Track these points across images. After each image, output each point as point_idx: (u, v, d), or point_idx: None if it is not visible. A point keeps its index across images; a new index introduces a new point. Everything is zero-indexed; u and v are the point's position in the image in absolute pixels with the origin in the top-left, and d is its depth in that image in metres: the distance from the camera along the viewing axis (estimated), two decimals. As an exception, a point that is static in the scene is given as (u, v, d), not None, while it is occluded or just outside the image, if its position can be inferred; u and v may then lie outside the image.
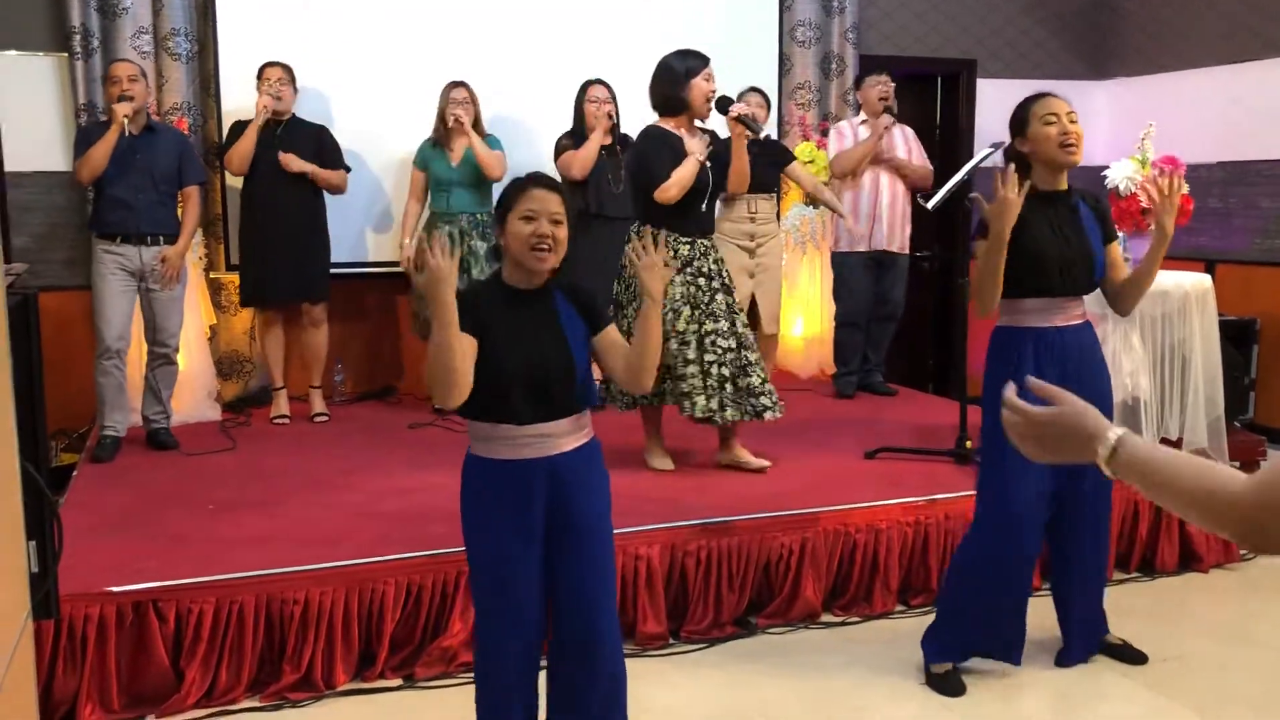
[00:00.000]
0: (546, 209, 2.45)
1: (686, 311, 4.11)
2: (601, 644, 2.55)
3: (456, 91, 5.30)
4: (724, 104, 4.10)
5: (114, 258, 4.67)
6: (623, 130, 5.39)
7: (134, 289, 4.74)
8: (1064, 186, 3.20)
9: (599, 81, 5.41)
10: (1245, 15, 6.37)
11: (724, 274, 4.22)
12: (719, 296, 4.15)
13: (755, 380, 4.15)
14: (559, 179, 5.33)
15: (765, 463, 4.30)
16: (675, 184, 4.02)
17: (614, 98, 5.39)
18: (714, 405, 4.09)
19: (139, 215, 4.66)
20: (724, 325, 4.13)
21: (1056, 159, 3.11)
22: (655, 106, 4.19)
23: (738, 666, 3.42)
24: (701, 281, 4.13)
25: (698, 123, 4.19)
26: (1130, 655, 3.42)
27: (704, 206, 4.19)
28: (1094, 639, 3.44)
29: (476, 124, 5.31)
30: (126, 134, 4.58)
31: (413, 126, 5.51)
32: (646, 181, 4.11)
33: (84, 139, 4.69)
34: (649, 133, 4.17)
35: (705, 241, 4.21)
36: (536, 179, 2.52)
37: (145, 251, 4.70)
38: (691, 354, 4.09)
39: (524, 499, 2.45)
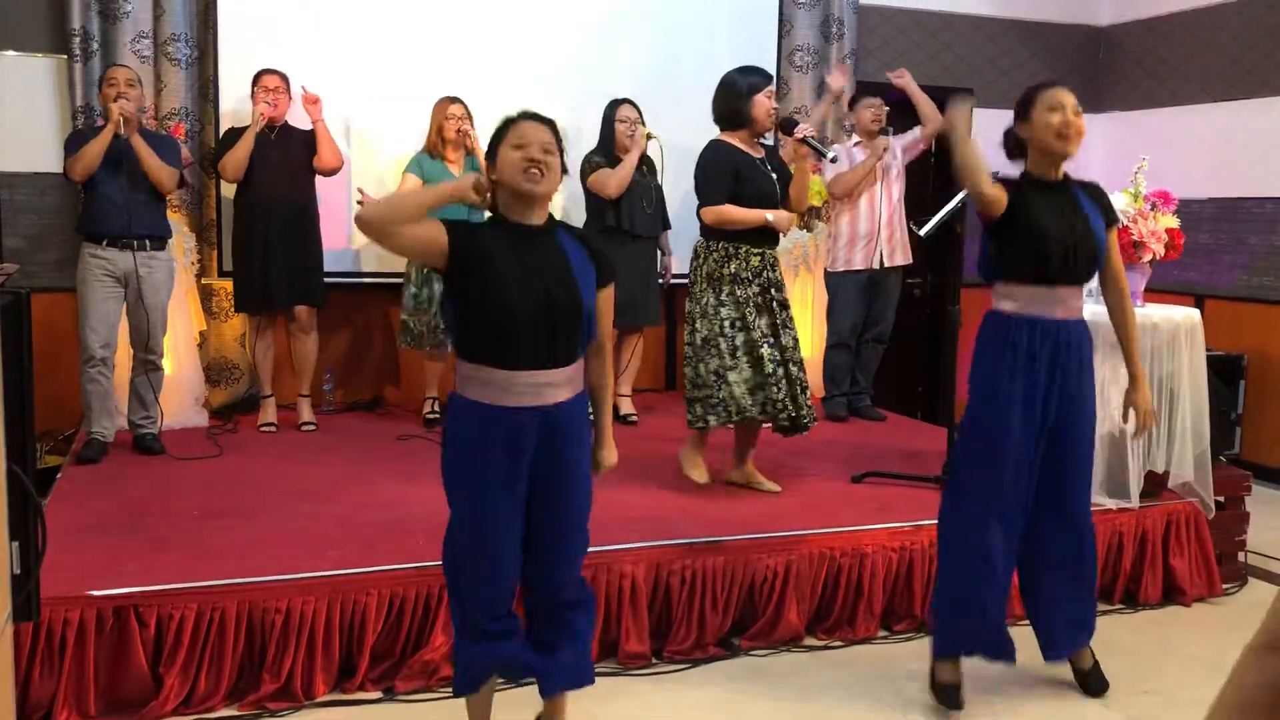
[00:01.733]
0: (538, 138, 2.46)
1: (764, 321, 4.17)
2: (579, 590, 2.62)
3: (455, 107, 5.32)
4: (789, 125, 4.25)
5: (100, 262, 4.65)
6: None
7: (120, 295, 4.70)
8: (1059, 176, 3.21)
9: (628, 101, 5.45)
10: (1240, 54, 6.43)
11: (785, 289, 4.33)
12: (787, 310, 4.27)
13: (801, 393, 4.24)
14: (587, 194, 5.39)
15: (776, 486, 4.36)
16: (729, 218, 4.15)
17: (642, 117, 5.41)
18: (799, 408, 4.19)
19: (129, 216, 4.64)
20: (791, 337, 4.24)
21: (1052, 146, 3.14)
22: (717, 120, 4.28)
23: (720, 687, 3.41)
24: (774, 292, 4.21)
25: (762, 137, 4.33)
26: (1094, 683, 3.40)
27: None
28: (1082, 633, 3.39)
29: (469, 140, 5.33)
30: (122, 134, 4.56)
31: (407, 136, 5.53)
32: (702, 195, 4.23)
33: (76, 139, 4.67)
34: (714, 146, 4.26)
35: (774, 253, 4.29)
36: (527, 113, 2.53)
37: (132, 256, 4.67)
38: (770, 364, 4.13)
39: (515, 447, 2.43)
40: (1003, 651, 3.27)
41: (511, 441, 2.43)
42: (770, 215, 4.16)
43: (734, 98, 4.19)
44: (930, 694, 3.32)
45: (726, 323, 4.15)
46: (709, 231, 4.22)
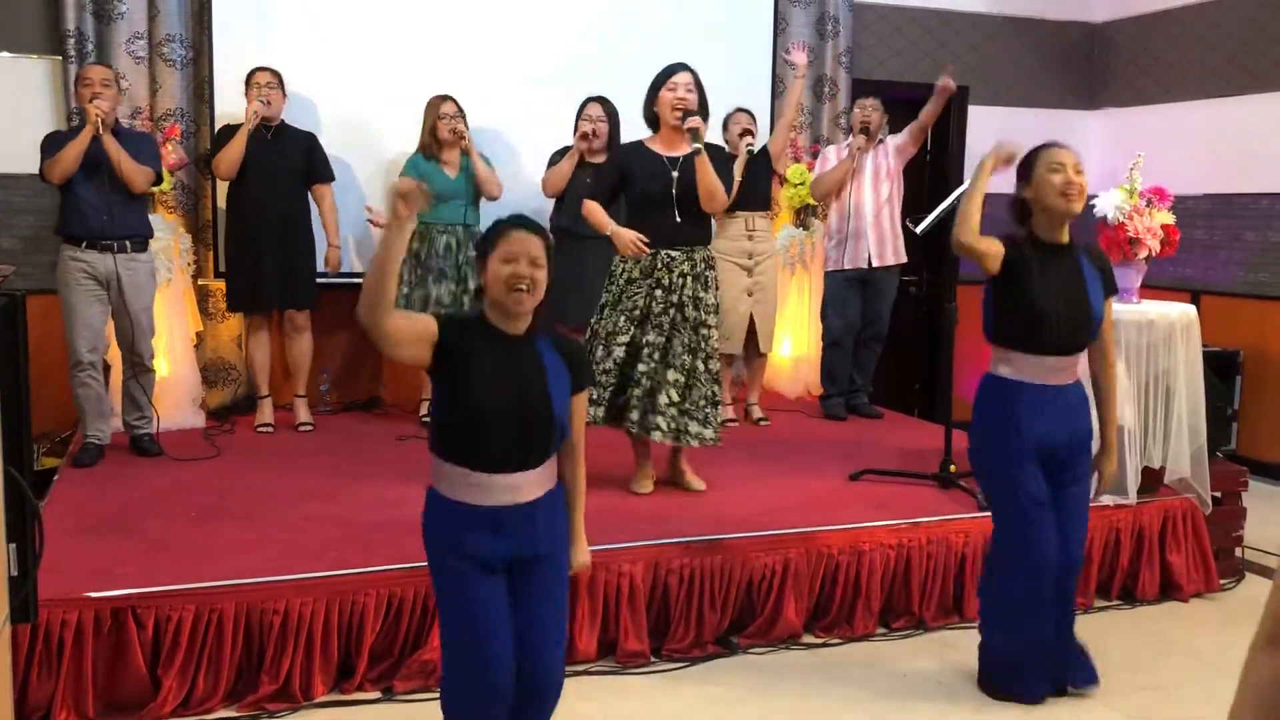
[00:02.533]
0: (526, 251, 2.42)
1: (634, 321, 4.12)
2: (554, 682, 2.56)
3: (447, 105, 5.30)
4: (684, 116, 4.07)
5: (80, 265, 4.60)
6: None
7: (104, 297, 4.66)
8: (1065, 239, 3.22)
9: (597, 99, 5.43)
10: (1234, 50, 6.44)
11: (690, 290, 4.12)
12: (671, 311, 4.11)
13: (696, 405, 4.13)
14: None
15: (702, 484, 4.32)
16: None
17: (611, 115, 5.40)
18: (633, 417, 4.13)
19: (107, 217, 4.58)
20: (661, 340, 4.10)
21: (1056, 206, 3.13)
22: (646, 123, 4.25)
23: (719, 686, 3.41)
24: (659, 293, 4.11)
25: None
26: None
27: (674, 218, 4.10)
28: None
29: (462, 140, 5.33)
30: (100, 134, 4.50)
31: (401, 137, 5.51)
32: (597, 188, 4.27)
33: (53, 142, 4.59)
34: (624, 148, 4.29)
35: (672, 253, 4.12)
36: (518, 221, 2.50)
37: (112, 259, 4.62)
38: (628, 365, 4.12)
39: (493, 541, 2.43)
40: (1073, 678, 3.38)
41: (490, 535, 2.43)
42: (610, 229, 4.09)
43: (645, 101, 4.17)
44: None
45: (602, 318, 4.17)
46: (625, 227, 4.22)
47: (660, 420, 4.11)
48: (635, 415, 4.12)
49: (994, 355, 3.27)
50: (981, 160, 3.23)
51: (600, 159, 5.37)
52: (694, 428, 4.15)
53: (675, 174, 4.11)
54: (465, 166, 5.34)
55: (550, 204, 5.72)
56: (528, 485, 2.46)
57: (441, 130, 5.27)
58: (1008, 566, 3.28)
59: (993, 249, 3.15)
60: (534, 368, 2.47)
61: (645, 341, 4.11)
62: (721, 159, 4.19)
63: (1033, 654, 3.29)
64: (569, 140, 5.50)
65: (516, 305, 2.43)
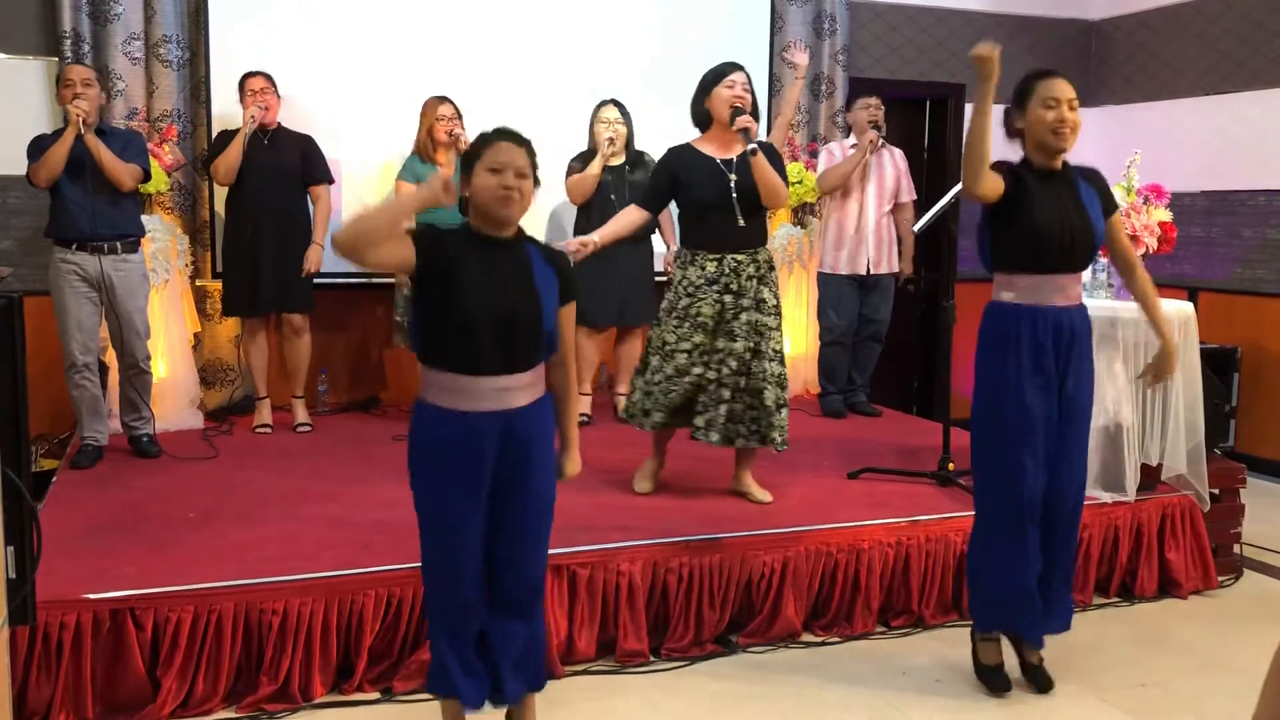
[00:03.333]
0: (513, 162, 2.49)
1: (702, 328, 4.00)
2: (535, 596, 2.66)
3: (445, 107, 5.30)
4: (734, 115, 3.93)
5: (71, 267, 4.58)
6: (638, 149, 5.43)
7: (95, 298, 4.64)
8: (1058, 166, 3.21)
9: (611, 102, 5.42)
10: (1231, 47, 6.44)
11: (756, 293, 4.03)
12: (743, 316, 4.01)
13: (764, 407, 4.02)
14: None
15: (768, 496, 4.21)
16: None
17: (627, 118, 5.39)
18: (700, 424, 4.04)
19: (94, 217, 4.56)
20: (738, 346, 4.00)
21: (1047, 142, 3.14)
22: (693, 122, 4.11)
23: (718, 685, 3.41)
24: (728, 299, 4.00)
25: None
26: (1041, 680, 3.41)
27: (736, 221, 3.99)
28: (1058, 621, 3.42)
29: (460, 142, 5.32)
30: (82, 134, 4.48)
31: (399, 138, 5.50)
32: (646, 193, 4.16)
33: (38, 145, 4.57)
34: (667, 151, 4.11)
35: (738, 257, 4.01)
36: (504, 132, 2.57)
37: (104, 260, 4.61)
38: (699, 370, 4.01)
39: (476, 453, 2.48)
40: (1036, 626, 3.35)
41: (472, 445, 2.49)
42: (596, 237, 3.91)
43: (696, 96, 4.05)
44: (977, 677, 3.41)
45: (667, 329, 4.05)
46: (679, 236, 4.14)
47: (741, 427, 4.04)
48: (701, 421, 4.02)
49: (996, 283, 3.24)
50: (979, 80, 3.08)
51: (618, 161, 5.38)
52: (774, 434, 4.05)
53: (733, 177, 3.97)
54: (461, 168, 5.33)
55: (551, 206, 5.74)
56: (514, 390, 2.50)
57: (439, 132, 5.26)
58: (986, 497, 3.29)
59: (996, 184, 3.11)
60: (522, 271, 2.52)
61: (717, 347, 4.00)
62: (774, 156, 4.06)
63: (1017, 583, 3.26)
64: (567, 140, 5.50)
65: (506, 209, 2.49)
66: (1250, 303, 6.30)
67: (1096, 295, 4.35)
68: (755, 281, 4.03)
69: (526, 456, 2.55)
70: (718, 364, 4.01)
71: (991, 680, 3.38)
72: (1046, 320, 3.16)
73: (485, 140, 2.54)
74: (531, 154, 2.55)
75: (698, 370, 4.01)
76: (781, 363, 4.09)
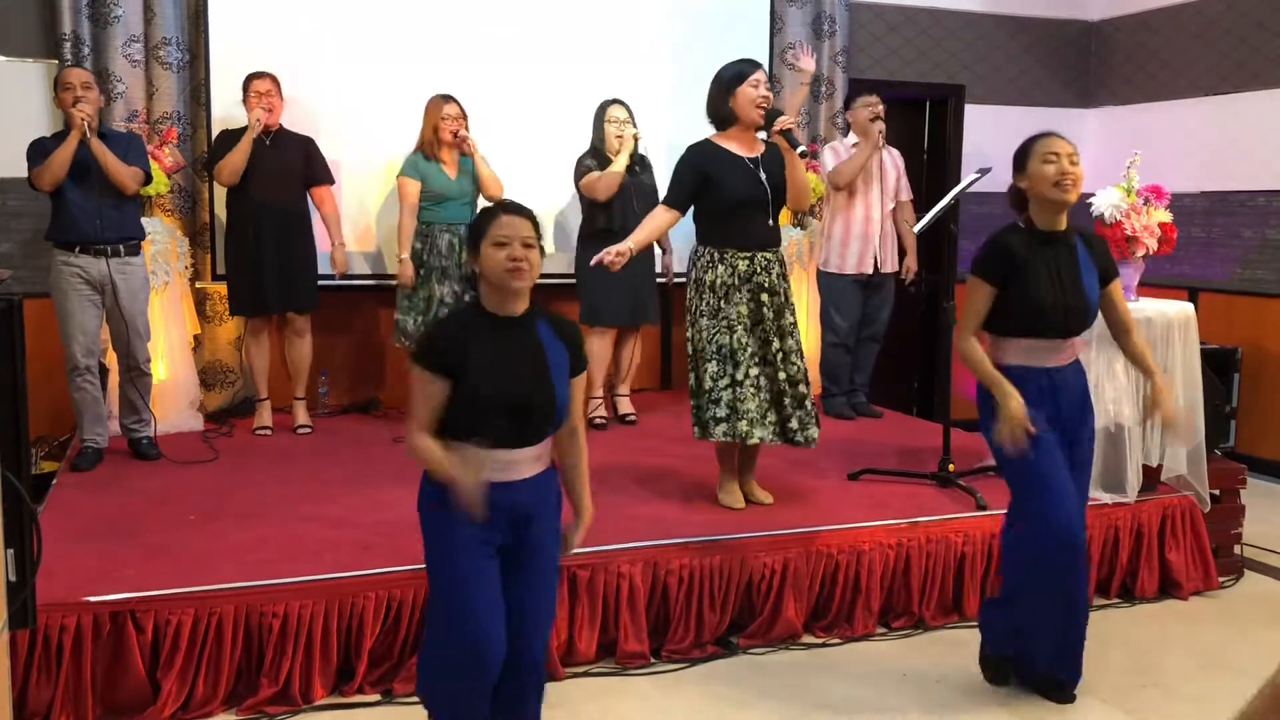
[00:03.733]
0: (518, 233, 2.48)
1: (749, 336, 3.96)
2: (538, 664, 2.60)
3: (450, 107, 5.30)
4: (772, 117, 3.87)
5: (73, 269, 4.58)
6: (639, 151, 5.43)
7: (98, 301, 4.64)
8: (1062, 226, 3.22)
9: (617, 101, 5.43)
10: (1231, 48, 6.44)
11: (788, 291, 4.07)
12: (786, 314, 4.02)
13: (804, 408, 4.03)
14: (580, 196, 5.39)
15: (770, 498, 4.20)
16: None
17: (632, 117, 5.40)
18: (794, 425, 4.00)
19: (98, 221, 4.56)
20: (791, 343, 4.01)
21: (1050, 196, 3.14)
22: (710, 120, 4.05)
23: (719, 686, 3.41)
24: (764, 298, 3.97)
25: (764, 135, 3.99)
26: (1059, 690, 3.39)
27: (767, 220, 3.98)
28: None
29: (465, 144, 5.32)
30: (87, 139, 4.48)
31: (400, 138, 5.51)
32: (664, 196, 4.09)
33: (39, 149, 4.56)
34: (691, 148, 4.04)
35: (768, 255, 4.00)
36: (507, 206, 2.56)
37: (106, 263, 4.60)
38: (755, 371, 3.97)
39: (486, 522, 2.45)
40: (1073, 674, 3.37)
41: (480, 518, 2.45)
42: (630, 244, 3.85)
43: (716, 94, 3.98)
44: (980, 669, 3.44)
45: (708, 339, 3.98)
46: (698, 235, 4.08)
47: (794, 423, 4.03)
48: (795, 423, 4.02)
49: (990, 344, 3.27)
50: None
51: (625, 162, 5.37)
52: (813, 430, 4.06)
53: (763, 175, 3.95)
54: (465, 166, 5.34)
55: (549, 204, 5.74)
56: (523, 462, 2.50)
57: (444, 132, 5.26)
58: (1028, 534, 3.24)
59: (986, 308, 3.18)
60: (534, 352, 2.51)
61: (772, 348, 3.98)
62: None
63: (1039, 626, 3.26)
64: (567, 140, 5.50)
65: (515, 284, 2.47)
66: (1250, 303, 6.30)
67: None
68: (783, 280, 4.07)
69: (529, 526, 2.53)
70: (773, 364, 3.99)
71: (996, 675, 3.42)
72: (1043, 383, 3.19)
73: (488, 216, 2.53)
74: (535, 223, 2.53)
75: (754, 371, 3.97)
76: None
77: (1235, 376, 6.22)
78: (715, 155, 3.97)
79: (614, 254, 3.78)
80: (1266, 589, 4.35)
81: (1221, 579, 4.34)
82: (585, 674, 3.43)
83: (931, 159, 7.22)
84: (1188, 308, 4.34)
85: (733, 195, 3.94)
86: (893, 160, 5.90)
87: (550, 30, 5.97)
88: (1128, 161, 4.36)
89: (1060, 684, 3.35)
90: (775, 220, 4.05)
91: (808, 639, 3.75)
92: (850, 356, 5.96)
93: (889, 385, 6.73)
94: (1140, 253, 4.25)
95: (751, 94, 3.90)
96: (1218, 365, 5.89)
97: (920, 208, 5.82)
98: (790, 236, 6.37)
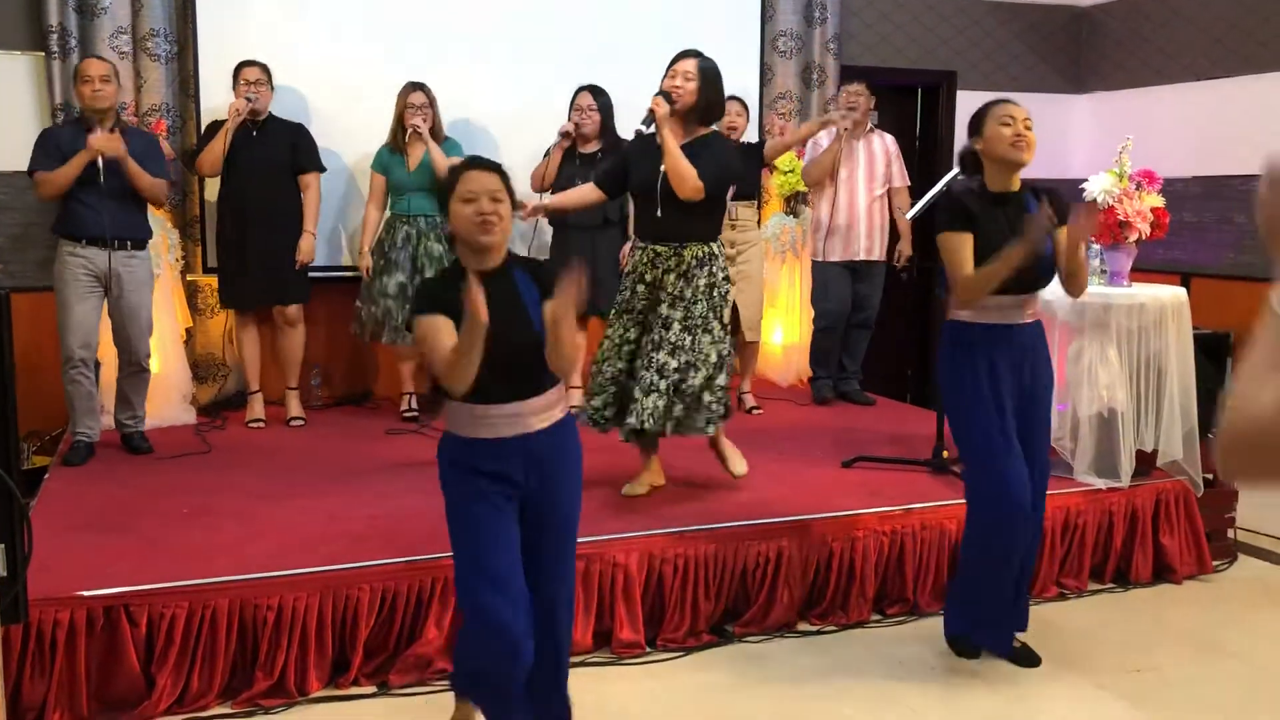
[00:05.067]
0: (486, 188, 2.50)
1: (630, 331, 3.98)
2: (560, 617, 2.65)
3: (415, 95, 5.23)
4: (657, 95, 3.86)
5: (79, 261, 4.57)
6: (621, 137, 5.39)
7: (99, 294, 4.63)
8: (1015, 187, 3.32)
9: (589, 88, 5.39)
10: (1223, 32, 6.44)
11: (676, 286, 3.89)
12: (660, 308, 3.90)
13: (701, 393, 3.91)
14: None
15: (742, 468, 4.18)
16: (533, 176, 4.00)
17: (603, 105, 5.35)
18: (639, 418, 3.90)
19: (105, 219, 4.54)
20: (655, 337, 3.91)
21: (1006, 156, 3.23)
22: None
23: (714, 675, 3.41)
24: (640, 289, 3.95)
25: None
26: (1027, 658, 3.48)
27: (657, 212, 3.89)
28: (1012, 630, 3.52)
29: (435, 128, 5.27)
30: (121, 162, 4.48)
31: (386, 127, 5.46)
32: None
33: (47, 146, 4.55)
34: (636, 137, 4.08)
35: (659, 249, 3.92)
36: (474, 161, 2.59)
37: (113, 256, 4.59)
38: (622, 365, 3.99)
39: (502, 475, 2.50)
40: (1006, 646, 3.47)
41: (496, 471, 2.51)
42: (547, 202, 4.03)
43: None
44: (949, 648, 3.51)
45: (610, 324, 4.05)
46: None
47: (697, 418, 4.01)
48: (657, 415, 3.97)
49: (952, 301, 3.35)
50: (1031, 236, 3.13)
51: (592, 148, 5.35)
52: (702, 420, 4.03)
53: (663, 166, 3.86)
54: (452, 151, 5.30)
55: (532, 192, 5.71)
56: (531, 414, 2.53)
57: (407, 120, 5.23)
58: (976, 503, 3.38)
59: (969, 255, 3.24)
60: (512, 300, 2.53)
61: (626, 349, 3.99)
62: (716, 146, 3.93)
63: (992, 600, 3.38)
64: (551, 127, 5.48)
65: (486, 238, 2.49)
66: (1243, 288, 6.30)
67: (1090, 282, 4.34)
68: (678, 277, 3.92)
69: (551, 478, 2.57)
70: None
71: (964, 649, 3.49)
72: (1000, 339, 3.27)
73: (455, 172, 2.55)
74: (504, 177, 2.55)
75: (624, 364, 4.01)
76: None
77: (1228, 361, 6.21)
78: (643, 144, 3.98)
79: (530, 207, 3.85)
80: (1260, 573, 4.36)
81: (1215, 563, 4.35)
82: (581, 663, 3.43)
83: (924, 146, 7.21)
84: (1181, 293, 4.35)
85: (636, 183, 3.99)
86: (884, 146, 5.86)
87: (538, 18, 5.94)
88: (1120, 146, 4.35)
89: (1025, 656, 3.46)
90: (669, 212, 3.88)
91: (803, 626, 3.75)
92: (839, 342, 5.96)
93: (882, 372, 6.73)
94: (1133, 237, 4.24)
95: (665, 83, 3.91)
96: (1211, 350, 5.89)
97: (913, 194, 5.81)
98: (784, 224, 6.36)
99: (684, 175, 3.79)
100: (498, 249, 2.54)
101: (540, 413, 2.54)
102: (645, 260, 3.95)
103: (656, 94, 3.86)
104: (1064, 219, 3.30)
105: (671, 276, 3.90)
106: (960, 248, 3.24)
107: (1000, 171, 3.29)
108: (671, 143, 3.82)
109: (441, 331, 2.45)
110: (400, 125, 5.26)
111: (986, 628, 3.46)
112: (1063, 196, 3.36)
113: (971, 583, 3.41)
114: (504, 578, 2.50)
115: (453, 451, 2.56)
